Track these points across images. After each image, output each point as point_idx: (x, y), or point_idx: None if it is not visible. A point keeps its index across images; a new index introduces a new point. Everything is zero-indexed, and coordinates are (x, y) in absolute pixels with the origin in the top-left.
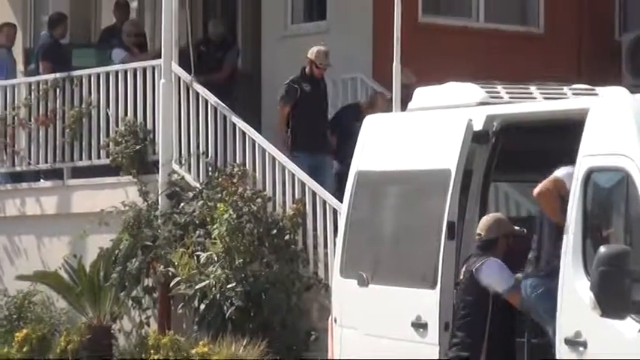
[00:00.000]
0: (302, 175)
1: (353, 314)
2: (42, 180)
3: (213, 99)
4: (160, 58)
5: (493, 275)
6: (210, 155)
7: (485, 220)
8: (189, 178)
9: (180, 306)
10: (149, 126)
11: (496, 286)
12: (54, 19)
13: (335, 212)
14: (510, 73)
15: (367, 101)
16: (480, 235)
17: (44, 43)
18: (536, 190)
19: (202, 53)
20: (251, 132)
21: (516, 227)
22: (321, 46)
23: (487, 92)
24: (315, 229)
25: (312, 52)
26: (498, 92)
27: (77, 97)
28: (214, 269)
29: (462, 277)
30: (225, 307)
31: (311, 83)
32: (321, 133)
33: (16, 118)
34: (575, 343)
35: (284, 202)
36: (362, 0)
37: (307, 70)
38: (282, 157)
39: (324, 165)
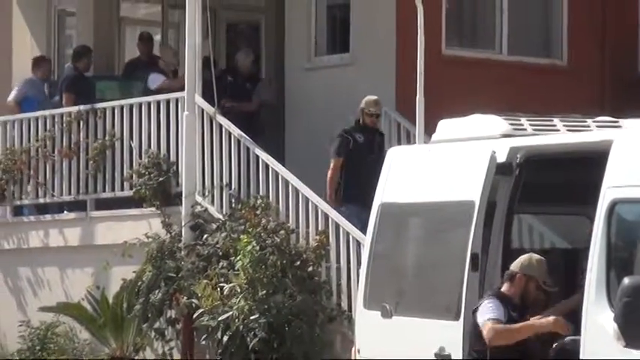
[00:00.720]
0: (325, 206)
1: (376, 346)
2: (65, 212)
3: (236, 131)
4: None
5: (482, 311)
6: (233, 187)
7: (522, 256)
8: (213, 210)
9: (203, 337)
10: (172, 158)
11: (479, 317)
12: (78, 52)
13: (358, 244)
14: (534, 105)
15: None
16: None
17: (68, 75)
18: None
19: (230, 84)
20: (274, 164)
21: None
22: (371, 96)
23: (510, 124)
24: (338, 260)
25: (363, 101)
26: (522, 124)
27: (100, 129)
28: (237, 301)
29: None
30: (248, 339)
31: (364, 133)
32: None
33: (39, 150)
34: None
35: (307, 233)
36: (385, 32)
37: (360, 120)
38: (305, 189)
39: None
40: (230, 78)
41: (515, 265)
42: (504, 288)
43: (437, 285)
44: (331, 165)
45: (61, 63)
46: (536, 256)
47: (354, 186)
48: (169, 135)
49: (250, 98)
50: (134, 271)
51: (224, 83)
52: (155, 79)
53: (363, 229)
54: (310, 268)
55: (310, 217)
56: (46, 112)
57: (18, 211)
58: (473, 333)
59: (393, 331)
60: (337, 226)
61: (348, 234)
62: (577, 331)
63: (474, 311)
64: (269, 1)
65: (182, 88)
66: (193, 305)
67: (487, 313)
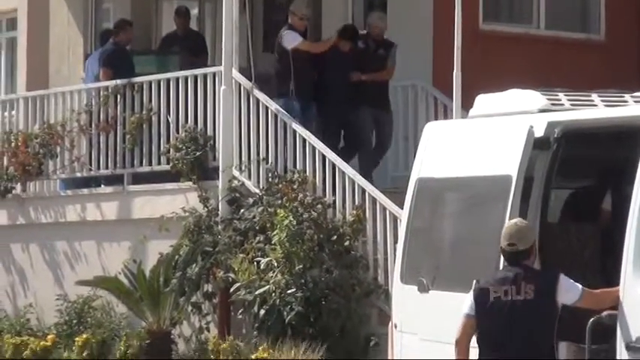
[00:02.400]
0: (362, 181)
1: (413, 320)
2: (102, 186)
3: (273, 106)
4: None
5: (568, 284)
6: (270, 161)
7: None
8: (250, 185)
9: (239, 311)
10: (209, 132)
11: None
12: (117, 26)
13: (395, 218)
14: (571, 80)
15: None
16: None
17: (106, 49)
18: None
19: (362, 51)
20: (311, 139)
21: None
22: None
23: (548, 99)
24: (375, 235)
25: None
26: (559, 99)
27: (138, 103)
28: (274, 275)
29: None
30: (284, 313)
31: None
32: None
33: (77, 124)
34: (636, 348)
35: (344, 208)
36: (422, 8)
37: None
38: (342, 164)
39: None
40: (362, 44)
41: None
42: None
43: (474, 259)
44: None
45: (97, 38)
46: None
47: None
48: (206, 109)
49: (385, 65)
50: (171, 245)
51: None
52: (291, 38)
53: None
54: (347, 243)
55: (347, 191)
56: (83, 86)
57: (55, 185)
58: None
59: (430, 306)
60: (374, 201)
61: (384, 209)
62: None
63: (546, 293)
64: None
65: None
66: (230, 279)
67: (574, 284)
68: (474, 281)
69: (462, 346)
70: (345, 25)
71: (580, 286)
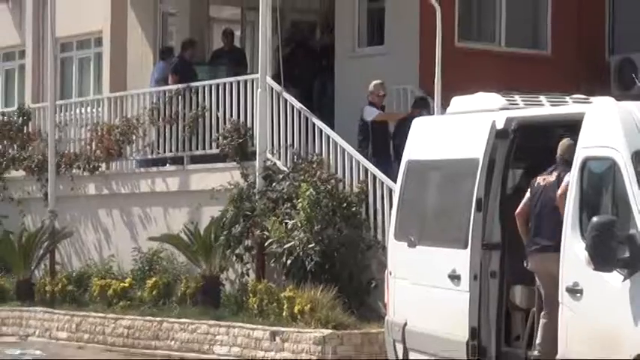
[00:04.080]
0: (365, 162)
1: (404, 268)
2: (167, 165)
3: (298, 105)
4: None
5: None
6: (295, 147)
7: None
8: (280, 164)
9: (272, 261)
10: (249, 124)
11: None
12: (185, 43)
13: (390, 191)
14: (525, 86)
15: None
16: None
17: (174, 61)
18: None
19: None
20: (327, 130)
21: None
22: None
23: (507, 100)
24: (375, 203)
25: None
26: (515, 100)
27: (194, 102)
28: (298, 233)
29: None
30: (306, 262)
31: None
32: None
33: (148, 118)
34: (574, 290)
35: (351, 182)
36: (411, 30)
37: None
38: (350, 149)
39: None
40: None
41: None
42: None
43: (450, 222)
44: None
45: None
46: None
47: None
48: (247, 107)
49: None
50: (220, 211)
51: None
52: (370, 112)
53: None
54: (354, 209)
55: (353, 170)
56: (153, 89)
57: (131, 164)
58: None
59: (417, 257)
60: (374, 177)
61: (382, 183)
62: None
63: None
64: (323, 4)
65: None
66: (265, 236)
67: None
68: None
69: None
70: (419, 97)
71: None
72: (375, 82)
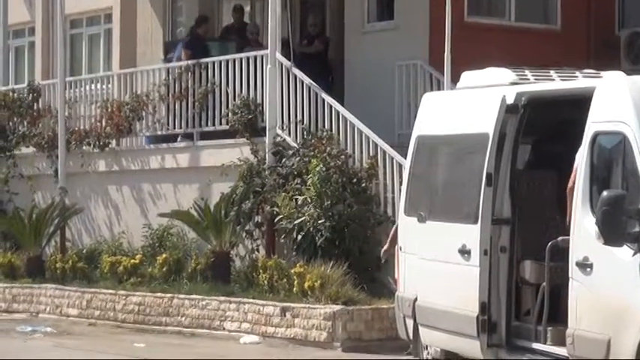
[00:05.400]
0: (374, 137)
1: (414, 243)
2: (178, 141)
3: (307, 80)
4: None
5: None
6: (305, 122)
7: None
8: (289, 140)
9: (282, 237)
10: (259, 100)
11: None
12: (198, 20)
13: (400, 166)
14: (535, 61)
15: None
16: None
17: (187, 37)
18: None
19: None
20: (336, 105)
21: None
22: None
23: (517, 75)
24: (385, 178)
25: None
26: (526, 75)
27: (204, 78)
28: (308, 209)
29: None
30: (316, 238)
31: None
32: None
33: (157, 94)
34: (583, 265)
35: (361, 158)
36: (421, 5)
37: None
38: (359, 124)
39: None
40: None
41: None
42: None
43: (460, 197)
44: None
45: (173, 29)
46: None
47: None
48: (256, 83)
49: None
50: (230, 187)
51: None
52: None
53: None
54: (363, 185)
55: (363, 145)
56: (162, 65)
57: (141, 140)
58: None
59: (427, 233)
60: (384, 153)
61: (392, 158)
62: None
63: None
64: None
65: None
66: (274, 212)
67: None
68: None
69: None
70: None
71: None
72: None
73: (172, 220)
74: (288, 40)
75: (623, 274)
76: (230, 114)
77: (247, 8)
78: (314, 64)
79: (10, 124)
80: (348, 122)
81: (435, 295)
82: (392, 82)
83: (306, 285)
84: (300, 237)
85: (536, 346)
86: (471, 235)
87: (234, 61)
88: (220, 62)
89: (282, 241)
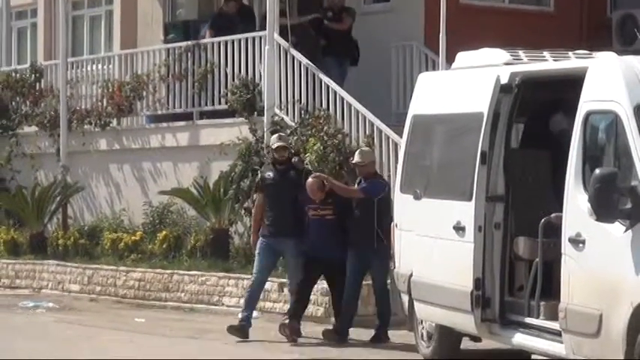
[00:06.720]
0: (371, 116)
1: (409, 220)
2: (177, 120)
3: (305, 61)
4: None
5: None
6: (302, 102)
7: None
8: (287, 119)
9: None
10: (257, 80)
11: None
12: None
13: (396, 145)
14: (528, 42)
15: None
16: None
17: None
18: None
19: None
20: (332, 85)
21: None
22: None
23: (511, 55)
24: (381, 157)
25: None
26: (519, 55)
27: (204, 59)
28: None
29: None
30: None
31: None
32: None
33: (158, 74)
34: (576, 241)
35: (358, 137)
36: None
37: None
38: (356, 104)
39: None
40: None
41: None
42: None
43: (455, 175)
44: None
45: (174, 8)
46: None
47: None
48: (255, 63)
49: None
50: (229, 165)
51: None
52: None
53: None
54: None
55: (360, 124)
56: (163, 46)
57: (142, 120)
58: None
59: (422, 210)
60: (380, 132)
61: (388, 137)
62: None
63: None
64: None
65: None
66: None
67: None
68: None
69: None
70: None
71: None
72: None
73: (172, 197)
74: (286, 22)
75: (615, 250)
76: (229, 94)
77: None
78: (340, 40)
79: (13, 103)
80: (345, 102)
81: (430, 271)
82: (388, 63)
83: None
84: None
85: (529, 320)
86: (465, 211)
87: (233, 42)
88: (219, 43)
89: None
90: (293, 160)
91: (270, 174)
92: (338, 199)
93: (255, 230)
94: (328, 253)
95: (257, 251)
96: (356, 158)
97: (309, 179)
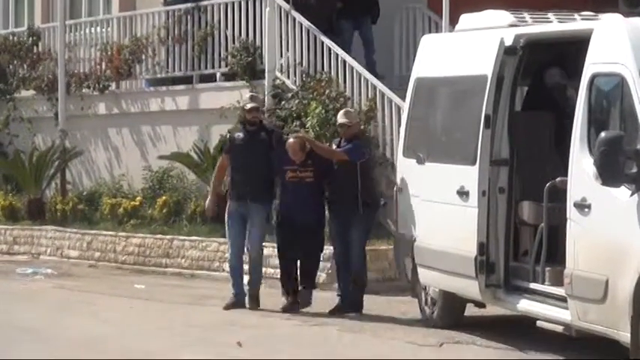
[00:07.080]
0: (373, 79)
1: (412, 185)
2: (178, 84)
3: (306, 23)
4: None
5: None
6: (304, 65)
7: None
8: (289, 82)
9: None
10: (258, 43)
11: None
12: None
13: (399, 108)
14: (533, 3)
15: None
16: None
17: None
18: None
19: None
20: (335, 47)
21: None
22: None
23: (515, 17)
24: (383, 120)
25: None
26: (524, 17)
27: (204, 21)
28: None
29: None
30: None
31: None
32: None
33: (157, 37)
34: (581, 205)
35: (360, 100)
36: None
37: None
38: (358, 67)
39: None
40: None
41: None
42: None
43: (459, 139)
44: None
45: None
46: None
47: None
48: (255, 25)
49: None
50: (229, 129)
51: None
52: None
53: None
54: (362, 127)
55: (362, 87)
56: (162, 8)
57: (141, 83)
58: None
59: (425, 174)
60: (383, 95)
61: (391, 101)
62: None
63: None
64: None
65: None
66: None
67: None
68: None
69: None
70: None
71: None
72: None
73: (172, 162)
74: None
75: (621, 214)
76: (229, 57)
77: None
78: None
79: (10, 67)
80: (347, 65)
81: (434, 236)
82: (391, 26)
83: None
84: None
85: (534, 286)
86: (469, 176)
87: (234, 4)
88: (220, 5)
89: None
90: (263, 120)
91: (239, 134)
92: (318, 160)
93: (213, 194)
94: (304, 217)
95: (226, 218)
96: (341, 119)
97: (290, 139)
